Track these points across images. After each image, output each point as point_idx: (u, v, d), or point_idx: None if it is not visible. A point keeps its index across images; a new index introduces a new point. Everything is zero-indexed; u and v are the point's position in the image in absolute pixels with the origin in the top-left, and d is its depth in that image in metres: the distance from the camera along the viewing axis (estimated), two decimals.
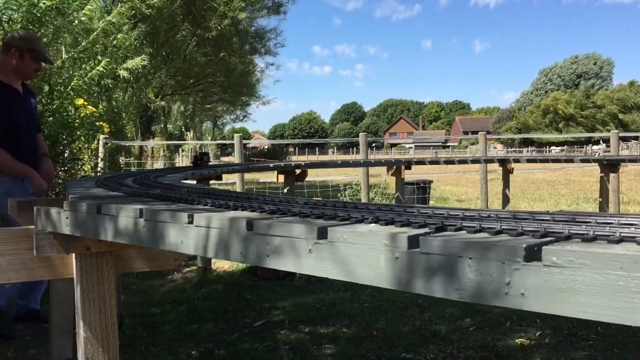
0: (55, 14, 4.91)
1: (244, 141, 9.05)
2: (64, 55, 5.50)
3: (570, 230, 0.90)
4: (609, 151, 9.87)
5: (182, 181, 3.14)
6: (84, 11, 5.31)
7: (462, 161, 8.90)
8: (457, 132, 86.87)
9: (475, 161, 8.78)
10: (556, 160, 9.50)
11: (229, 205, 1.47)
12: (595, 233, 0.86)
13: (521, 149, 50.01)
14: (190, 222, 1.31)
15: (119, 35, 6.59)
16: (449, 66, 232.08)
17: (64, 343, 2.82)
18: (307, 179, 6.96)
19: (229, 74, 16.35)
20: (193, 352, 3.26)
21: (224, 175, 6.07)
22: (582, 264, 0.73)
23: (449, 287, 0.85)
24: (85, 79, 5.35)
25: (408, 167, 7.37)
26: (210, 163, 5.89)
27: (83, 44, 5.54)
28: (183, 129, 39.05)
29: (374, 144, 76.00)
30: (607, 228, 0.91)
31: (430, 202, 10.29)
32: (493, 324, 3.68)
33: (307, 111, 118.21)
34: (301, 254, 1.06)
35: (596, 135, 37.04)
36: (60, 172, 5.07)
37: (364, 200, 8.62)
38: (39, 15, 4.77)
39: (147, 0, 10.61)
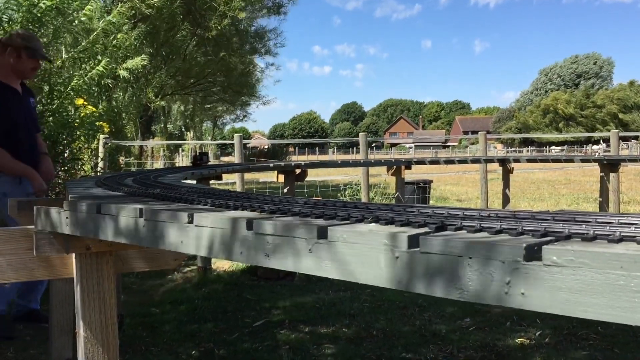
0: (55, 14, 4.91)
1: (244, 141, 9.05)
2: (64, 55, 5.50)
3: (571, 229, 0.90)
4: (609, 151, 9.87)
5: (182, 181, 3.14)
6: (84, 11, 5.31)
7: (462, 161, 8.90)
8: (457, 132, 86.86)
9: (475, 161, 8.78)
10: (556, 160, 9.50)
11: (229, 205, 1.47)
12: (596, 232, 0.86)
13: (521, 149, 50.02)
14: (190, 221, 1.31)
15: (119, 35, 6.59)
16: (449, 66, 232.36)
17: (64, 343, 2.82)
18: (307, 178, 6.96)
19: (229, 73, 16.35)
20: (193, 352, 3.26)
21: (224, 175, 6.07)
22: (582, 263, 0.73)
23: (449, 287, 0.85)
24: (85, 78, 5.35)
25: (408, 167, 7.37)
26: (210, 163, 5.89)
27: (83, 44, 5.54)
28: (183, 129, 39.05)
29: (374, 144, 76.01)
30: (607, 227, 0.91)
31: (430, 201, 10.28)
32: (493, 324, 3.68)
33: (307, 111, 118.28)
34: (301, 253, 1.06)
35: (596, 135, 37.04)
36: (60, 172, 5.07)
37: (364, 200, 8.62)
38: (39, 15, 4.77)
39: (147, 0, 10.61)
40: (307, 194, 10.11)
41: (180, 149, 27.58)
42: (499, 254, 0.79)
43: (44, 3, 4.69)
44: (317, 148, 60.97)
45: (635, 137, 32.13)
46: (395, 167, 7.30)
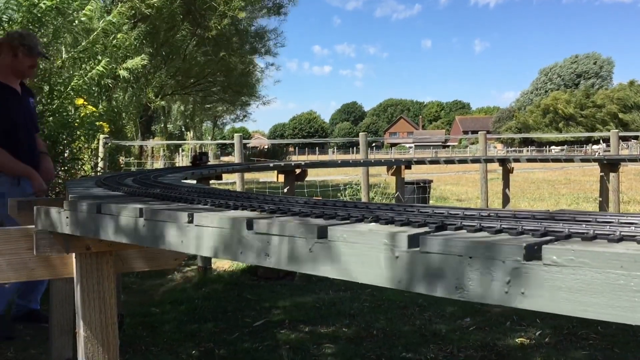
0: (55, 14, 4.91)
1: (244, 141, 9.05)
2: (64, 55, 5.50)
3: (571, 229, 0.90)
4: (609, 151, 9.87)
5: (182, 181, 3.14)
6: (84, 11, 5.31)
7: (462, 161, 8.90)
8: (457, 131, 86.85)
9: (475, 161, 8.78)
10: (556, 160, 9.51)
11: (229, 205, 1.47)
12: (596, 232, 0.86)
13: (521, 149, 50.01)
14: (190, 221, 1.31)
15: (118, 35, 6.59)
16: (449, 66, 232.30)
17: (64, 343, 2.82)
18: (307, 178, 6.96)
19: (229, 73, 16.35)
20: (193, 351, 3.26)
21: (224, 175, 6.07)
22: (582, 262, 0.73)
23: (449, 286, 0.85)
24: (85, 78, 5.35)
25: (408, 167, 7.37)
26: (209, 163, 5.88)
27: (83, 44, 5.54)
28: (183, 129, 39.05)
29: (374, 144, 76.01)
30: (607, 227, 0.91)
31: (430, 201, 10.29)
32: (493, 324, 3.68)
33: (307, 111, 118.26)
34: (301, 253, 1.06)
35: (596, 134, 37.03)
36: (60, 172, 5.08)
37: (364, 199, 8.62)
38: (39, 15, 4.77)
39: (147, 0, 10.61)
40: (307, 193, 10.11)
41: (180, 149, 27.58)
42: (499, 253, 0.79)
43: (44, 3, 4.69)
44: (317, 148, 60.98)
45: (635, 137, 32.12)
46: (395, 167, 7.30)
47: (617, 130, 9.43)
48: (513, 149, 51.86)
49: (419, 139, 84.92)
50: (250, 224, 1.16)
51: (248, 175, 12.40)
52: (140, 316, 3.89)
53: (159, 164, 18.92)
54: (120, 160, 9.19)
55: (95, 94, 7.24)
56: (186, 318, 3.88)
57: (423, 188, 9.61)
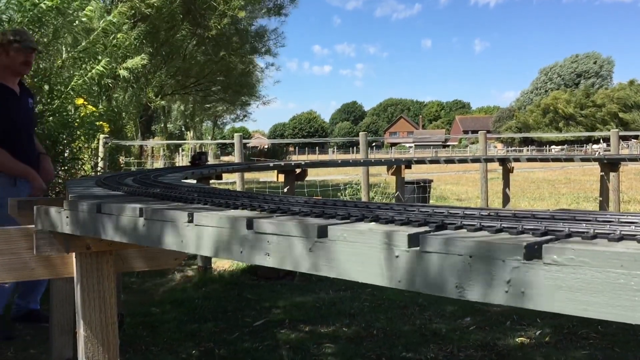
0: (55, 13, 4.91)
1: (244, 141, 9.05)
2: (64, 55, 5.50)
3: (571, 228, 0.90)
4: (609, 150, 9.87)
5: (182, 180, 3.14)
6: (84, 12, 5.31)
7: (462, 160, 8.90)
8: (457, 131, 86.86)
9: (476, 160, 8.78)
10: (556, 160, 9.50)
11: (229, 204, 1.47)
12: (596, 231, 0.86)
13: (521, 148, 50.01)
14: (191, 221, 1.31)
15: (118, 35, 6.59)
16: (449, 65, 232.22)
17: (65, 342, 2.82)
18: (307, 178, 6.96)
19: (229, 73, 16.36)
20: (193, 351, 3.26)
21: (224, 175, 6.07)
22: (582, 262, 0.73)
23: (449, 286, 0.85)
24: (86, 78, 5.35)
25: (408, 167, 7.36)
26: (208, 162, 5.88)
27: (83, 44, 5.54)
28: (183, 129, 39.07)
29: (374, 144, 76.00)
30: (608, 226, 0.91)
31: (431, 201, 10.29)
32: (493, 323, 3.68)
33: (307, 110, 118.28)
34: (301, 252, 1.06)
35: (596, 134, 37.02)
36: (60, 172, 5.08)
37: (364, 199, 8.62)
38: (39, 15, 4.77)
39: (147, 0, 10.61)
40: (307, 193, 10.11)
41: (180, 148, 27.58)
42: (500, 253, 0.79)
43: (44, 3, 4.69)
44: (317, 148, 61.00)
45: (636, 137, 32.13)
46: (395, 166, 7.29)
47: (617, 130, 9.43)
48: (513, 148, 51.86)
49: (419, 138, 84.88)
50: (250, 224, 1.16)
51: (248, 175, 12.40)
52: (141, 316, 3.90)
53: (159, 164, 18.92)
54: (120, 160, 9.19)
55: (95, 94, 7.25)
56: (186, 318, 3.88)
57: (423, 188, 9.62)
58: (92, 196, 1.95)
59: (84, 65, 5.54)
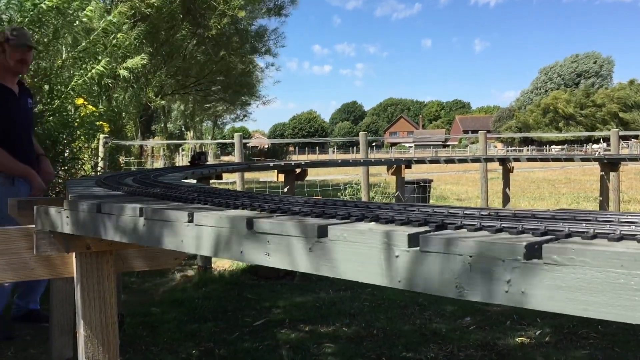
0: (55, 13, 4.91)
1: (244, 140, 9.05)
2: (64, 55, 5.50)
3: (571, 228, 0.90)
4: (609, 150, 9.87)
5: (182, 180, 3.15)
6: (85, 12, 5.31)
7: (462, 160, 8.90)
8: (457, 131, 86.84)
9: (476, 160, 8.78)
10: (556, 159, 9.50)
11: (229, 204, 1.47)
12: (596, 231, 0.86)
13: (521, 148, 49.99)
14: (191, 221, 1.31)
15: (118, 35, 6.59)
16: (449, 65, 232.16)
17: (65, 342, 2.82)
18: (307, 178, 6.96)
19: (229, 73, 16.36)
20: (193, 351, 3.26)
21: (224, 175, 6.07)
22: (582, 262, 0.73)
23: (449, 286, 0.85)
24: (86, 78, 5.34)
25: (408, 166, 7.36)
26: (208, 162, 5.88)
27: (83, 43, 5.54)
28: (183, 129, 39.07)
29: (374, 143, 75.99)
30: (608, 226, 0.91)
31: (431, 200, 10.29)
32: (493, 323, 3.68)
33: (307, 110, 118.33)
34: (301, 252, 1.06)
35: (596, 134, 37.01)
36: (60, 172, 5.08)
37: (364, 199, 8.62)
38: (39, 15, 4.77)
39: None
40: (307, 193, 10.11)
41: (180, 148, 27.59)
42: (499, 252, 0.79)
43: (45, 4, 4.69)
44: (317, 147, 61.01)
45: (636, 136, 32.11)
46: (395, 166, 7.29)
47: (617, 130, 9.42)
48: (513, 148, 51.84)
49: (419, 138, 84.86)
50: (250, 224, 1.16)
51: (248, 175, 12.41)
52: (141, 316, 3.90)
53: (159, 164, 18.92)
54: (120, 159, 9.19)
55: (95, 94, 7.25)
56: (186, 318, 3.88)
57: (423, 187, 9.61)
58: (92, 196, 1.95)
59: (84, 65, 5.54)
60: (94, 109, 6.25)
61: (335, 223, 1.07)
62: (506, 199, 8.65)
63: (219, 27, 12.59)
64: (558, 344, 3.30)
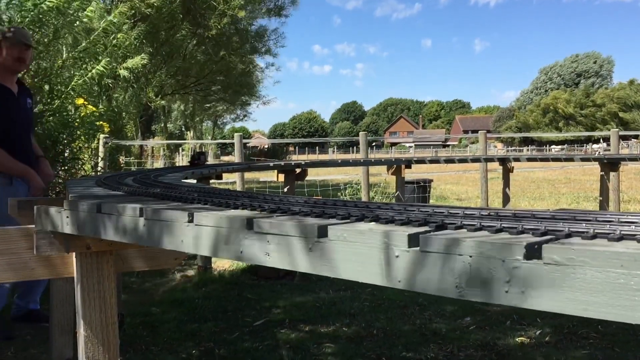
0: (55, 14, 4.91)
1: (244, 140, 9.06)
2: (64, 55, 5.50)
3: (571, 228, 0.90)
4: (609, 150, 9.87)
5: (182, 180, 3.15)
6: (86, 12, 5.31)
7: (462, 160, 8.90)
8: (457, 131, 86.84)
9: (476, 160, 8.79)
10: (556, 159, 9.50)
11: (229, 204, 1.47)
12: (596, 231, 0.86)
13: (521, 148, 49.99)
14: (191, 221, 1.31)
15: (119, 35, 6.59)
16: (449, 65, 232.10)
17: (65, 342, 2.82)
18: (307, 178, 6.96)
19: (229, 73, 16.36)
20: (193, 351, 3.26)
21: (224, 175, 6.07)
22: (582, 262, 0.73)
23: (449, 286, 0.85)
24: (86, 78, 5.34)
25: (408, 166, 7.37)
26: (208, 162, 5.88)
27: (84, 44, 5.54)
28: (183, 129, 39.07)
29: (374, 143, 75.99)
30: (608, 226, 0.91)
31: (431, 200, 10.29)
32: (493, 323, 3.68)
33: (307, 110, 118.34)
34: (301, 252, 1.06)
35: (596, 134, 37.01)
36: (60, 172, 5.08)
37: (364, 199, 8.62)
38: (40, 15, 4.77)
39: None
40: (308, 193, 10.10)
41: (180, 148, 27.59)
42: (499, 252, 0.79)
43: (45, 4, 4.69)
44: (317, 147, 61.02)
45: (636, 136, 32.12)
46: (395, 166, 7.29)
47: (617, 130, 9.42)
48: (513, 148, 51.83)
49: (419, 138, 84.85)
50: (250, 224, 1.16)
51: (248, 175, 12.41)
52: (141, 316, 3.90)
53: (159, 164, 18.92)
54: (121, 159, 9.19)
55: (96, 94, 7.25)
56: (186, 318, 3.88)
57: (423, 187, 9.61)
58: (92, 196, 1.95)
59: (84, 65, 5.54)
60: (94, 109, 6.25)
61: (335, 223, 1.07)
62: (506, 199, 8.65)
63: (219, 27, 12.60)
64: (558, 344, 3.30)
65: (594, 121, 58.25)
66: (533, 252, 0.77)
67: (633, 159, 8.25)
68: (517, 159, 8.94)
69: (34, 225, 1.94)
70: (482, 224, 0.97)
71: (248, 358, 3.15)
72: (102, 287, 1.89)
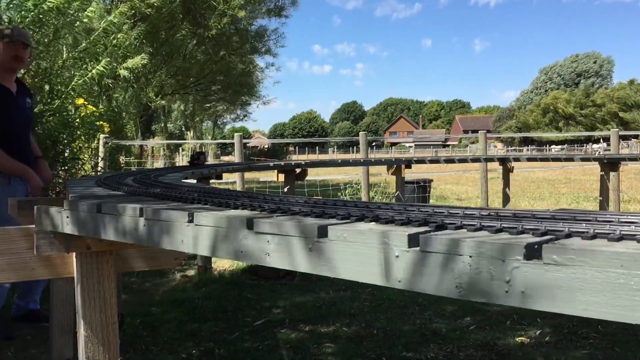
0: (56, 14, 4.91)
1: (244, 140, 9.06)
2: (64, 55, 5.50)
3: (571, 228, 0.90)
4: (609, 150, 9.87)
5: (183, 180, 3.15)
6: (86, 12, 5.31)
7: (462, 160, 8.90)
8: (457, 131, 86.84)
9: (476, 160, 8.79)
10: (556, 159, 9.51)
11: (229, 204, 1.47)
12: (596, 231, 0.86)
13: (521, 148, 49.98)
14: (191, 221, 1.31)
15: (119, 35, 6.59)
16: (449, 65, 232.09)
17: (65, 342, 2.82)
18: (307, 178, 6.96)
19: (229, 73, 16.37)
20: (193, 351, 3.26)
21: (224, 175, 6.07)
22: (582, 262, 0.73)
23: (449, 286, 0.85)
24: (86, 78, 5.35)
25: (408, 166, 7.37)
26: (208, 162, 5.88)
27: (84, 44, 5.54)
28: (183, 129, 39.07)
29: (374, 143, 75.98)
30: (608, 226, 0.91)
31: (431, 200, 10.29)
32: (493, 323, 3.68)
33: (307, 110, 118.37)
34: (301, 252, 1.06)
35: (596, 134, 37.02)
36: (60, 172, 5.08)
37: (364, 199, 8.62)
38: (40, 15, 4.78)
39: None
40: (308, 193, 10.10)
41: (180, 148, 27.60)
42: (499, 252, 0.79)
43: (46, 4, 4.69)
44: (317, 147, 61.04)
45: (636, 136, 32.12)
46: (395, 166, 7.29)
47: (617, 129, 9.42)
48: (513, 148, 51.81)
49: (419, 138, 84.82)
50: (250, 224, 1.16)
51: (248, 175, 12.41)
52: (141, 316, 3.90)
53: (159, 164, 18.93)
54: (121, 159, 9.20)
55: (96, 94, 7.26)
56: (186, 318, 3.88)
57: (423, 187, 9.61)
58: (93, 196, 1.95)
59: (84, 66, 5.54)
60: (94, 109, 6.25)
61: (335, 223, 1.07)
62: (506, 199, 8.65)
63: (219, 27, 12.60)
64: (558, 344, 3.30)
65: (594, 121, 58.23)
66: (533, 252, 0.77)
67: (633, 159, 8.25)
68: (517, 159, 8.94)
69: (34, 225, 1.94)
70: (482, 224, 0.97)
71: (248, 358, 3.15)
72: (102, 287, 1.89)
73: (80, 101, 5.67)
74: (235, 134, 7.99)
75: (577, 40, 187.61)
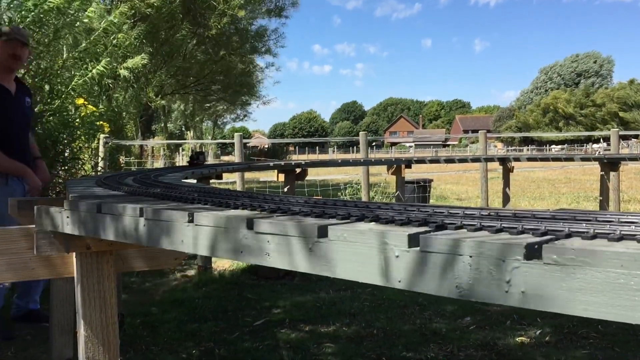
0: (56, 14, 4.91)
1: (244, 140, 9.06)
2: (64, 55, 5.50)
3: (571, 228, 0.90)
4: (609, 150, 9.87)
5: (183, 180, 3.14)
6: (87, 13, 5.31)
7: (463, 160, 8.90)
8: (457, 130, 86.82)
9: (476, 160, 8.79)
10: (556, 159, 9.51)
11: (229, 204, 1.47)
12: (596, 231, 0.86)
13: (521, 148, 49.96)
14: (191, 221, 1.31)
15: (119, 35, 6.59)
16: (449, 65, 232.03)
17: (65, 342, 2.82)
18: (308, 178, 6.96)
19: (229, 73, 16.37)
20: (193, 351, 3.26)
21: (224, 175, 6.07)
22: (582, 262, 0.73)
23: (449, 285, 0.85)
24: (86, 78, 5.35)
25: (408, 166, 7.36)
26: (207, 162, 5.87)
27: (84, 44, 5.54)
28: (183, 128, 39.07)
29: (374, 143, 75.97)
30: (608, 226, 0.91)
31: (431, 200, 10.29)
32: (493, 323, 3.68)
33: (307, 110, 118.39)
34: (301, 252, 1.06)
35: (596, 133, 37.00)
36: (60, 172, 5.08)
37: (364, 199, 8.62)
38: (40, 15, 4.78)
39: None
40: (308, 193, 10.10)
41: (180, 148, 27.59)
42: (499, 252, 0.79)
43: (47, 4, 4.69)
44: (317, 147, 61.03)
45: (636, 136, 32.12)
46: (395, 166, 7.29)
47: (617, 129, 9.42)
48: (513, 148, 51.78)
49: (419, 138, 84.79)
50: (250, 224, 1.16)
51: (248, 175, 12.41)
52: (141, 316, 3.90)
53: (159, 164, 18.93)
54: (121, 159, 9.19)
55: (96, 94, 7.26)
56: (186, 317, 3.88)
57: (423, 187, 9.61)
58: (93, 196, 1.95)
59: (84, 65, 5.54)
60: (94, 109, 6.25)
61: (335, 223, 1.07)
62: (506, 198, 8.65)
63: (219, 26, 12.60)
64: (558, 343, 3.30)
65: (594, 121, 58.22)
66: (533, 252, 0.77)
67: (633, 158, 8.25)
68: (517, 159, 8.94)
69: (34, 225, 1.94)
70: (482, 224, 0.97)
71: (248, 358, 3.15)
72: (102, 287, 1.89)
73: (80, 101, 5.67)
74: (235, 134, 7.99)
75: (577, 40, 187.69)
